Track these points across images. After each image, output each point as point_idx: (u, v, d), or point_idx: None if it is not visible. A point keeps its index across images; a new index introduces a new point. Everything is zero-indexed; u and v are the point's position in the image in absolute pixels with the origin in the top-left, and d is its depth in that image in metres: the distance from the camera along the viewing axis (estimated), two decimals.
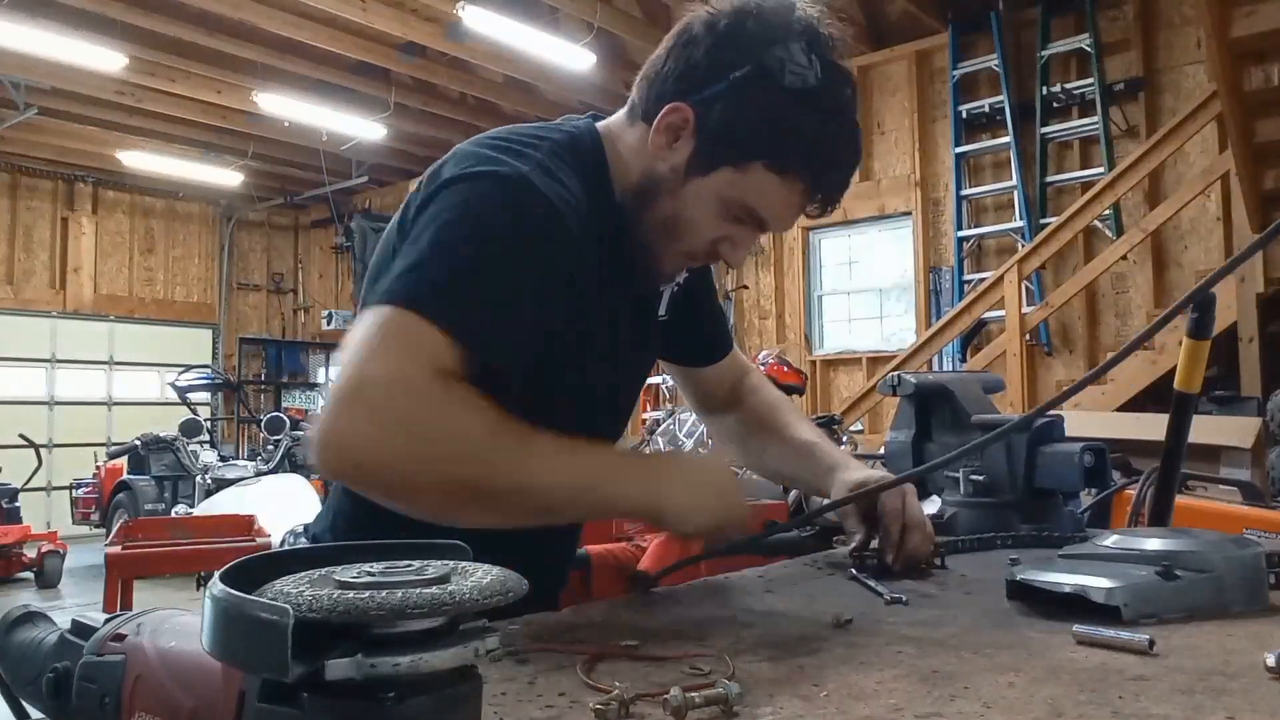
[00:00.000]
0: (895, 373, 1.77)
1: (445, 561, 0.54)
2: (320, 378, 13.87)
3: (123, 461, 8.77)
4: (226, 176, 11.89)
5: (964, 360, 7.61)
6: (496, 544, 0.68)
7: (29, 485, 8.81)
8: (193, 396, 9.65)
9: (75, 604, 6.98)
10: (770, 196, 1.08)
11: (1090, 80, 7.47)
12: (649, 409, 7.83)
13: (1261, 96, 5.27)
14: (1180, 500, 1.45)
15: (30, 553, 7.80)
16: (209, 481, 7.87)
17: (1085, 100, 7.57)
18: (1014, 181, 7.82)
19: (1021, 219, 7.79)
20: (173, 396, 9.68)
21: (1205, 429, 4.28)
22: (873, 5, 8.60)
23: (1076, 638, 0.84)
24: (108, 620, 0.64)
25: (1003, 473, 1.49)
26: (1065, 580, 0.93)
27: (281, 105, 9.37)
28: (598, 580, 2.32)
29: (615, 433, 1.29)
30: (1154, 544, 0.97)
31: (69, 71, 8.59)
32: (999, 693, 0.71)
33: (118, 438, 10.94)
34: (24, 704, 0.68)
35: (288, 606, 0.45)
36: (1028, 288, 7.21)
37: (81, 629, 0.65)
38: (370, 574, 0.50)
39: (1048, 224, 7.15)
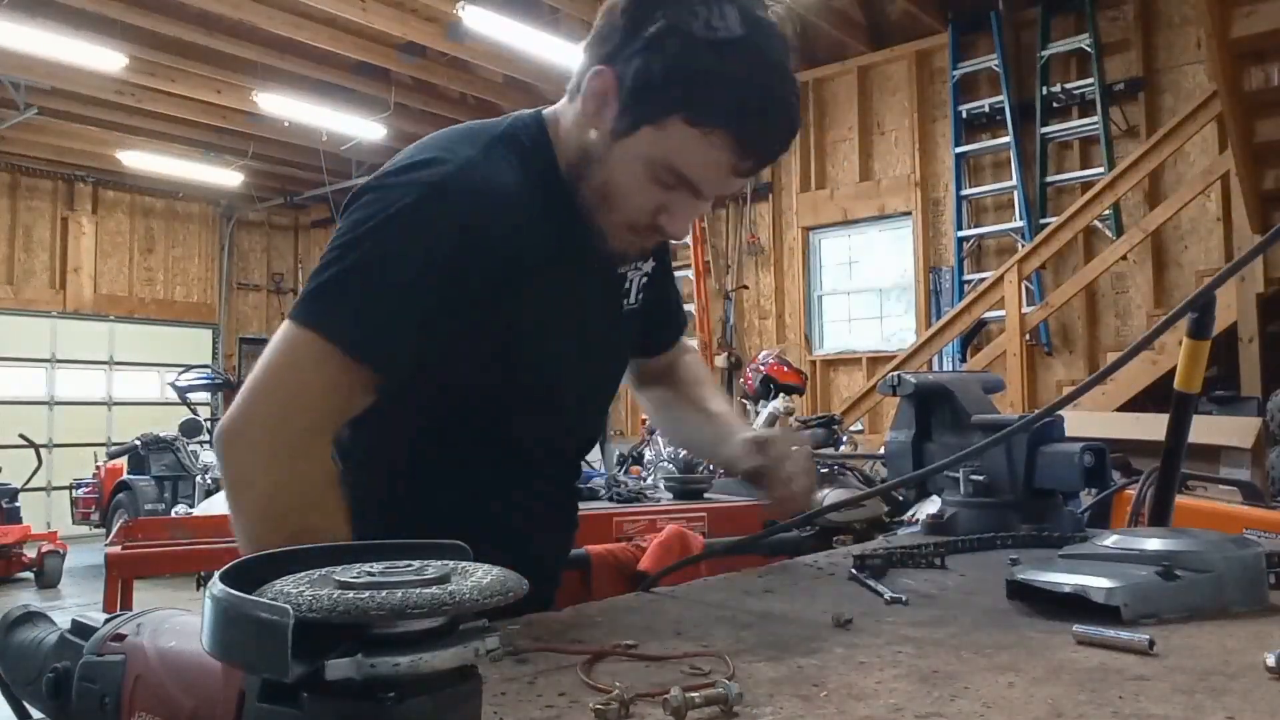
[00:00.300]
0: (895, 373, 1.77)
1: (445, 561, 0.54)
2: None
3: (123, 461, 8.76)
4: (226, 176, 11.88)
5: (964, 360, 7.61)
6: (486, 540, 0.67)
7: (29, 485, 8.80)
8: (193, 396, 9.62)
9: (75, 604, 6.98)
10: (692, 154, 1.04)
11: (1090, 80, 7.47)
12: None
13: (1261, 96, 5.26)
14: (1180, 500, 1.45)
15: (30, 553, 7.80)
16: (209, 481, 7.85)
17: (1085, 100, 7.57)
18: (1014, 181, 7.82)
19: (1021, 219, 7.79)
20: (173, 396, 9.65)
21: (1205, 429, 4.27)
22: (873, 5, 8.59)
23: (1076, 638, 0.84)
24: (108, 620, 0.64)
25: (1003, 473, 1.49)
26: (1065, 580, 0.93)
27: (281, 105, 9.36)
28: (597, 580, 2.32)
29: (589, 412, 1.28)
30: (1154, 544, 0.97)
31: (69, 71, 8.59)
32: (999, 693, 0.71)
33: (118, 438, 10.93)
34: (24, 704, 0.68)
35: (288, 606, 0.45)
36: (1028, 288, 7.21)
37: (81, 629, 0.65)
38: (370, 574, 0.50)
39: (1048, 224, 7.15)
